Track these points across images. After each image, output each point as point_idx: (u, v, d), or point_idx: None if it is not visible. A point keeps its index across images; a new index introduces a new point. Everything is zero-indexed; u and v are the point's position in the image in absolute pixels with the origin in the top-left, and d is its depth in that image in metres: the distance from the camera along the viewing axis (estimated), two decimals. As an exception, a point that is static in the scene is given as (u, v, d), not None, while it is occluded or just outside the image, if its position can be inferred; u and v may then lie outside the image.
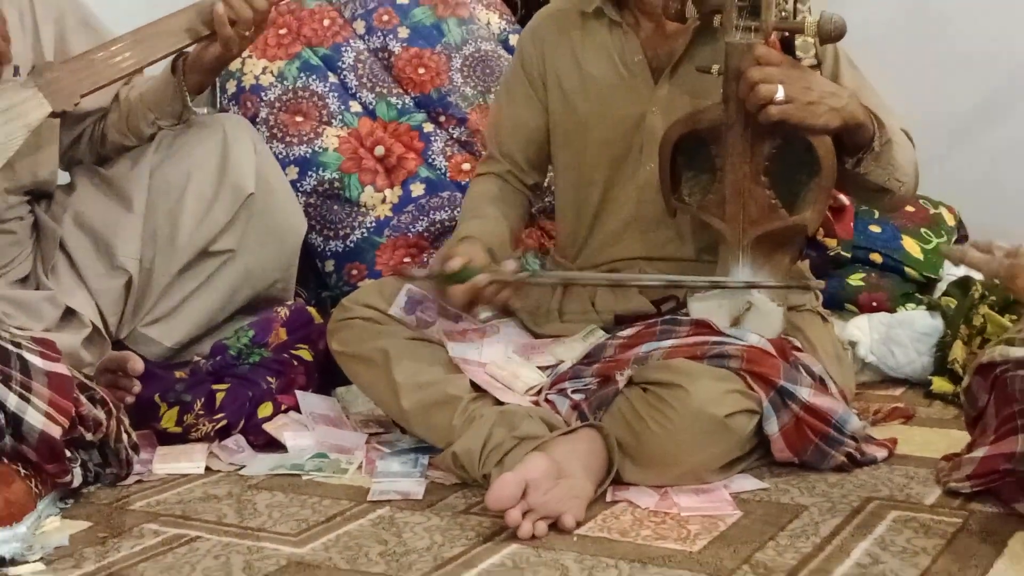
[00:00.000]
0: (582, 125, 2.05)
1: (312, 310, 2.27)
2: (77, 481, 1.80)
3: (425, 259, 2.53)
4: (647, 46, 2.01)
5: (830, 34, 1.78)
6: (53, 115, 1.94)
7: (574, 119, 2.06)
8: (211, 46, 2.02)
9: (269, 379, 2.10)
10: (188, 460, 1.96)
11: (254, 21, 2.01)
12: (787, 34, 1.82)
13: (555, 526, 1.62)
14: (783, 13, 1.79)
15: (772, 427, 1.79)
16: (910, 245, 2.49)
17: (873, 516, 1.66)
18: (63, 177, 2.24)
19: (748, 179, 1.85)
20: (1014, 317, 2.25)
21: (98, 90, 2.01)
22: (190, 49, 2.07)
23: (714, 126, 1.85)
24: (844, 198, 2.25)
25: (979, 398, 1.74)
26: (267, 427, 2.03)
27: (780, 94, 1.75)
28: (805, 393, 1.79)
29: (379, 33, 2.67)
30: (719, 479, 1.77)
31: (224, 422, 2.03)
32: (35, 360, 1.76)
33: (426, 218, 2.55)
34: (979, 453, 1.70)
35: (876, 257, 2.47)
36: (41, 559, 1.59)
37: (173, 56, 2.08)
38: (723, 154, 1.86)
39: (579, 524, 1.64)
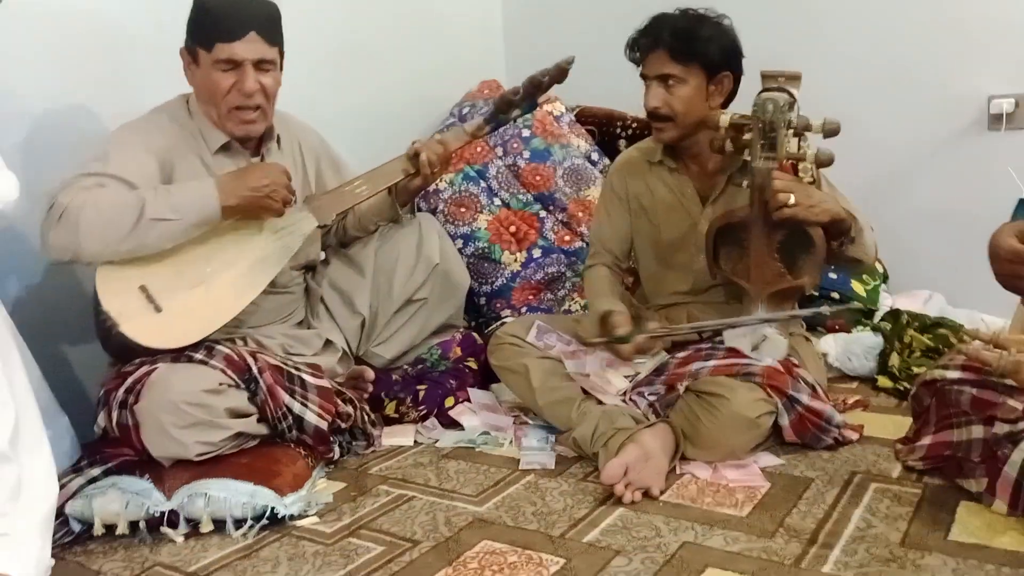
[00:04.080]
0: (656, 230, 1.84)
1: (477, 335, 2.11)
2: (336, 455, 1.68)
3: (542, 297, 2.37)
4: (695, 180, 1.80)
5: (823, 162, 1.57)
6: (319, 227, 1.80)
7: (649, 227, 1.86)
8: (415, 179, 1.87)
9: (451, 381, 1.94)
10: (403, 436, 1.83)
11: (441, 162, 1.85)
12: (794, 162, 1.62)
13: (646, 494, 1.46)
14: (791, 148, 1.58)
15: (784, 421, 1.60)
16: (856, 286, 2.24)
17: (859, 488, 1.45)
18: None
19: (765, 255, 1.65)
20: (931, 336, 2.01)
21: (346, 211, 1.88)
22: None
23: (743, 220, 1.66)
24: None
25: (924, 400, 1.53)
26: (451, 413, 1.88)
27: (792, 200, 1.56)
28: (805, 398, 1.59)
29: (511, 155, 2.50)
30: (750, 457, 1.58)
31: (424, 410, 1.89)
32: (309, 379, 1.64)
33: (542, 271, 2.37)
34: (926, 440, 1.49)
35: (835, 294, 2.21)
36: (316, 514, 1.47)
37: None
38: (749, 239, 1.66)
39: (662, 492, 1.47)
